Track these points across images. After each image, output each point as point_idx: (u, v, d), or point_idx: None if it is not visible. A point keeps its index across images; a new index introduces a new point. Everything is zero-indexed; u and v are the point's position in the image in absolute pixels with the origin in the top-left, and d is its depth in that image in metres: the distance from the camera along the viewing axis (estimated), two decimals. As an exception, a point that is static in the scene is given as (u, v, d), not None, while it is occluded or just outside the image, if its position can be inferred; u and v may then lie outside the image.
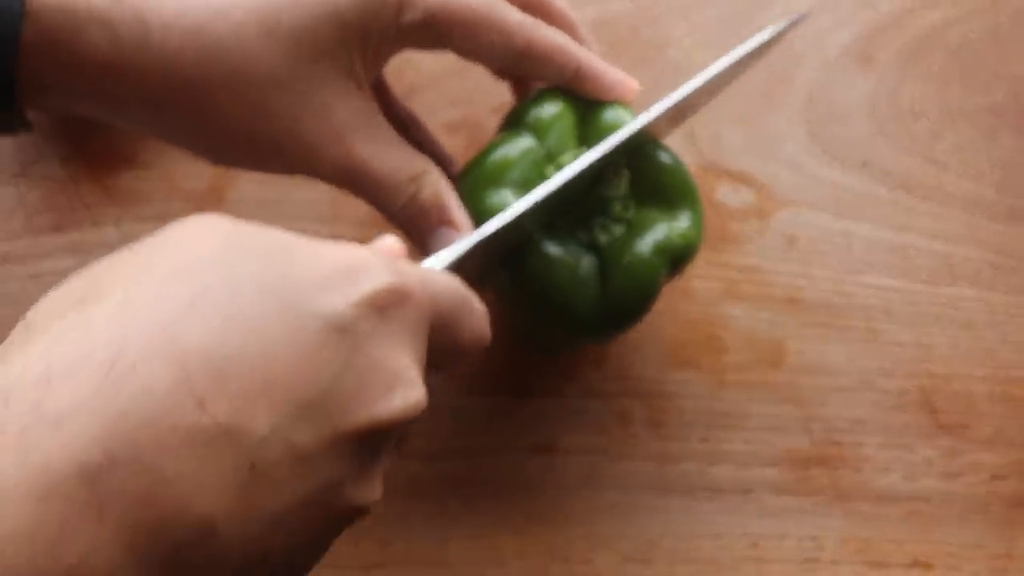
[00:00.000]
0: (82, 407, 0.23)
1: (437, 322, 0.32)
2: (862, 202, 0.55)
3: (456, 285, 0.34)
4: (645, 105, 0.45)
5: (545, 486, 0.50)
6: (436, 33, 0.41)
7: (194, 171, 0.53)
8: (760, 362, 0.52)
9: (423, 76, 0.56)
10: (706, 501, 0.50)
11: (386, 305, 0.29)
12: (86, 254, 0.52)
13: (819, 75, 0.57)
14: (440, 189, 0.42)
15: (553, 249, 0.43)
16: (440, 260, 0.37)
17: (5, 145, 0.54)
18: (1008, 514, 0.51)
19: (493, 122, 0.56)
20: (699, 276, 0.54)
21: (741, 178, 0.56)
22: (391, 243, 0.35)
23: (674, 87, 0.46)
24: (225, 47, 0.37)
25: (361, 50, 0.40)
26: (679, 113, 0.48)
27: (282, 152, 0.40)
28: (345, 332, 0.27)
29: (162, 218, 0.53)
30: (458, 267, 0.38)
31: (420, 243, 0.42)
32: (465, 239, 0.38)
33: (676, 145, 0.56)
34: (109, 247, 0.52)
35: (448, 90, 0.56)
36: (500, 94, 0.56)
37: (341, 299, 0.28)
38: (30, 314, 0.27)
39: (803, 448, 0.51)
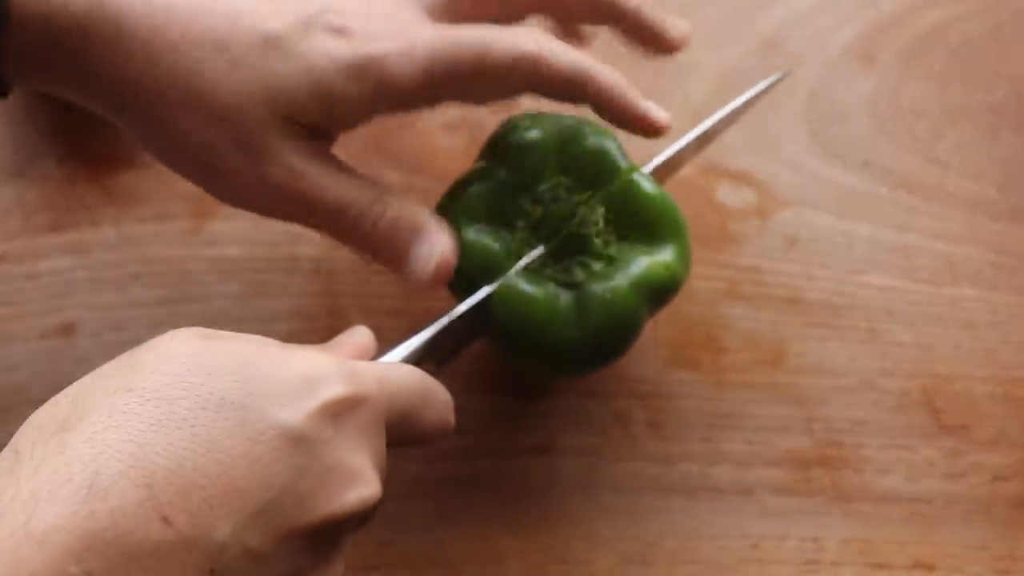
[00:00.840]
0: (63, 527, 0.27)
1: (394, 418, 0.36)
2: (863, 202, 0.55)
3: (415, 380, 0.37)
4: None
5: (544, 487, 0.50)
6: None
7: (193, 171, 0.53)
8: (760, 362, 0.52)
9: (422, 76, 0.56)
10: (706, 502, 0.50)
11: (340, 412, 0.32)
12: (84, 254, 0.52)
13: (820, 74, 0.57)
14: (404, 203, 0.42)
15: (528, 288, 0.43)
16: (399, 354, 0.39)
17: (3, 144, 0.54)
18: (1011, 515, 0.51)
19: (493, 121, 0.56)
20: (699, 276, 0.53)
21: (741, 178, 0.55)
22: (361, 339, 0.39)
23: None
24: (185, 71, 0.39)
25: (329, 123, 0.41)
26: (671, 167, 0.48)
27: (226, 179, 0.41)
28: (301, 441, 0.31)
29: (160, 218, 0.53)
30: (427, 352, 0.39)
31: (399, 263, 0.42)
32: (425, 332, 0.40)
33: (676, 144, 0.56)
34: (107, 247, 0.52)
35: (447, 90, 0.56)
36: (500, 94, 0.56)
37: (298, 411, 0.31)
38: (18, 439, 0.31)
39: (804, 449, 0.51)
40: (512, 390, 0.51)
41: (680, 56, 0.57)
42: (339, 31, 0.40)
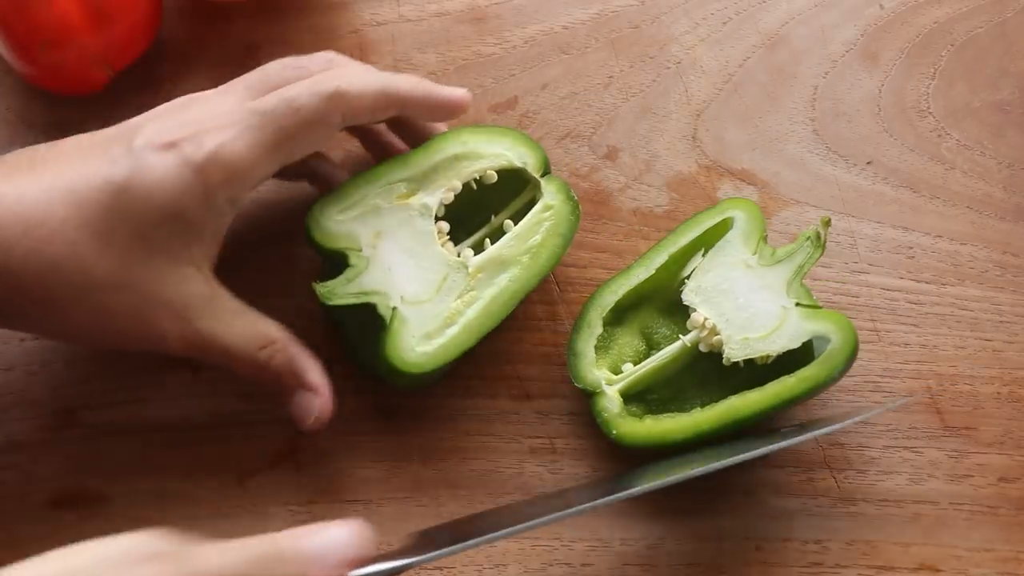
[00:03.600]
0: None
1: None
2: (867, 201, 0.55)
3: None
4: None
5: (545, 488, 0.50)
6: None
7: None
8: (763, 362, 0.52)
9: (422, 74, 0.55)
10: (708, 503, 0.50)
11: None
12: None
13: (823, 72, 0.57)
14: (291, 355, 0.45)
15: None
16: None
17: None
18: (1017, 517, 0.50)
19: (492, 120, 0.55)
20: (701, 275, 0.53)
21: (744, 177, 0.55)
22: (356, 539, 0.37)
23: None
24: (61, 263, 0.41)
25: (194, 238, 0.43)
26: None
27: (131, 341, 0.44)
28: None
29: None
30: None
31: (281, 402, 0.46)
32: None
33: (678, 146, 0.55)
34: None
35: (447, 88, 0.55)
36: (500, 92, 0.56)
37: None
38: None
39: (807, 450, 0.51)
40: (512, 392, 0.51)
41: (682, 55, 0.57)
42: (167, 146, 0.42)
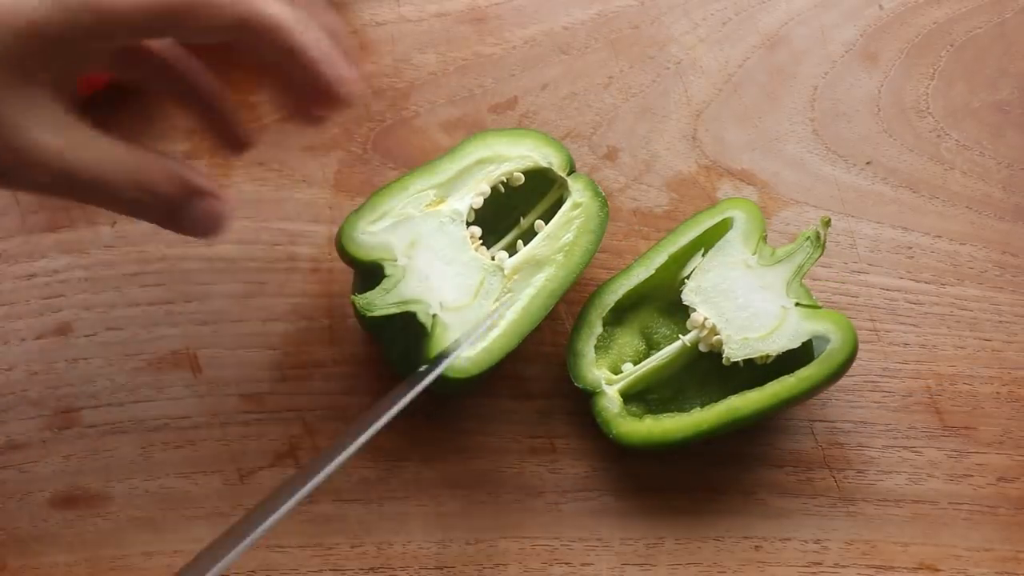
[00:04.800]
0: None
1: None
2: (866, 201, 0.55)
3: None
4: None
5: (545, 488, 0.50)
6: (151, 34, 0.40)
7: (191, 170, 0.53)
8: (763, 362, 0.52)
9: (422, 74, 0.55)
10: (708, 503, 0.50)
11: None
12: (81, 253, 0.52)
13: (823, 72, 0.57)
14: (173, 164, 0.40)
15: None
16: None
17: None
18: (1016, 516, 0.50)
19: (491, 120, 0.55)
20: (701, 275, 0.53)
21: (743, 177, 0.55)
22: None
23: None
24: None
25: (66, 64, 0.40)
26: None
27: None
28: None
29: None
30: None
31: (172, 224, 0.40)
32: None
33: (678, 146, 0.55)
34: (104, 246, 0.52)
35: (447, 88, 0.55)
36: (500, 92, 0.56)
37: None
38: None
39: (806, 449, 0.51)
40: (512, 392, 0.51)
41: (682, 55, 0.57)
42: None
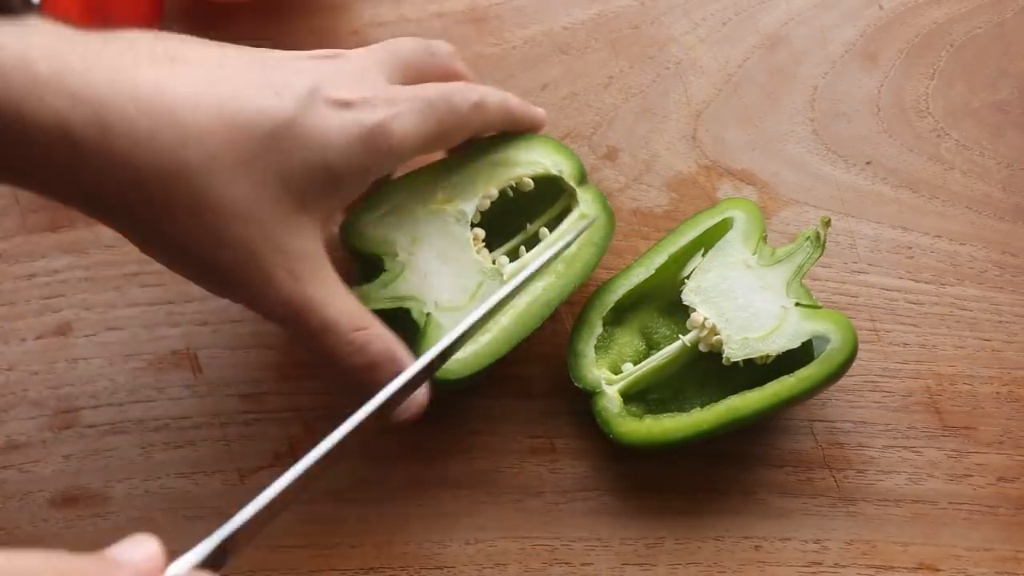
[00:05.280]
0: None
1: None
2: (866, 201, 0.55)
3: None
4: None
5: (545, 488, 0.50)
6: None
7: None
8: (763, 362, 0.52)
9: (422, 74, 0.55)
10: (708, 503, 0.50)
11: None
12: (81, 253, 0.52)
13: (823, 73, 0.57)
14: (391, 342, 0.43)
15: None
16: (195, 556, 0.37)
17: (1, 144, 0.54)
18: (1016, 516, 0.50)
19: (493, 120, 0.55)
20: (701, 275, 0.53)
21: (743, 177, 0.55)
22: (147, 552, 0.35)
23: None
24: (193, 172, 0.38)
25: (330, 198, 0.42)
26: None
27: (232, 280, 0.41)
28: None
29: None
30: (219, 551, 0.36)
31: (363, 391, 0.41)
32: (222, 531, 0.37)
33: (678, 146, 0.55)
34: (104, 246, 0.52)
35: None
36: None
37: None
38: None
39: (806, 449, 0.51)
40: (512, 392, 0.51)
41: (682, 55, 0.57)
42: (340, 104, 0.41)
